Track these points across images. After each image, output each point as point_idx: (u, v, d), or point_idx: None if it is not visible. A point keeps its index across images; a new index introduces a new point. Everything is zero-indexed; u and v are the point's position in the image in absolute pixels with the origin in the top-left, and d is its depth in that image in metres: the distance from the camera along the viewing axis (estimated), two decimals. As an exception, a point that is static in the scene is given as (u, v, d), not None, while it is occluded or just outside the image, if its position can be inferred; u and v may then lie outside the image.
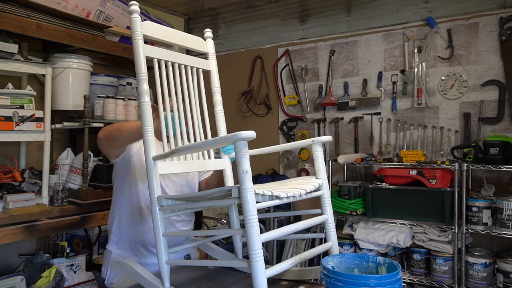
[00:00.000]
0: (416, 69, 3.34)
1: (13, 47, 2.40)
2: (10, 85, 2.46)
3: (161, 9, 4.16)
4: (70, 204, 2.67)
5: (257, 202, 1.17)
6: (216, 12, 4.37)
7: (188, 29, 4.57)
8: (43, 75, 2.61)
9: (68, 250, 2.69)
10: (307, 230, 3.53)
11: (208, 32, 1.79)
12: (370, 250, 3.15)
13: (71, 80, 2.88)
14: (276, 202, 1.27)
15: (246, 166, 1.15)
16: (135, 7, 1.48)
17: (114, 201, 1.96)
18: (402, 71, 3.40)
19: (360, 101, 3.57)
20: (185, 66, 1.66)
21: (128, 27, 3.23)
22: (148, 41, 1.56)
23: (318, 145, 1.54)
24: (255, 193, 1.17)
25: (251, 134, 1.13)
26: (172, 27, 3.83)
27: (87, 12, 2.90)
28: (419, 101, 3.33)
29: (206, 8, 4.24)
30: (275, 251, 3.65)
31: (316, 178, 1.53)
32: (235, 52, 4.29)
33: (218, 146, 1.43)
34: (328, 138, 1.56)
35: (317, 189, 1.49)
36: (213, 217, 3.84)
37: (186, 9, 4.33)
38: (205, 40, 1.79)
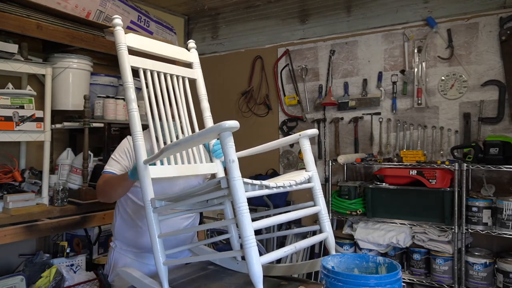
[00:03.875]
0: (416, 69, 3.34)
1: (13, 47, 2.40)
2: (10, 85, 2.46)
3: (161, 9, 4.16)
4: (70, 204, 2.67)
5: (246, 192, 1.18)
6: (216, 12, 4.37)
7: (188, 29, 4.58)
8: (43, 75, 2.61)
9: (68, 250, 2.69)
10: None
11: (192, 43, 1.87)
12: (370, 250, 3.15)
13: (71, 80, 2.88)
14: (266, 191, 1.29)
15: (232, 156, 1.17)
16: (118, 20, 1.54)
17: (118, 201, 2.01)
18: (402, 71, 3.40)
19: (360, 101, 3.57)
20: (171, 75, 1.71)
21: (129, 27, 3.24)
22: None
23: (305, 139, 1.57)
24: (244, 183, 1.18)
25: (234, 124, 1.15)
26: (172, 27, 3.86)
27: (87, 12, 2.90)
28: (419, 101, 3.33)
29: (206, 8, 4.24)
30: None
31: (306, 171, 1.55)
32: (235, 52, 4.29)
33: (205, 139, 1.45)
34: (313, 131, 1.59)
35: (308, 181, 1.50)
36: (213, 217, 3.84)
37: (186, 9, 4.33)
38: (189, 50, 1.83)
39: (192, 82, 1.82)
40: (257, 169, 4.03)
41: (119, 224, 1.98)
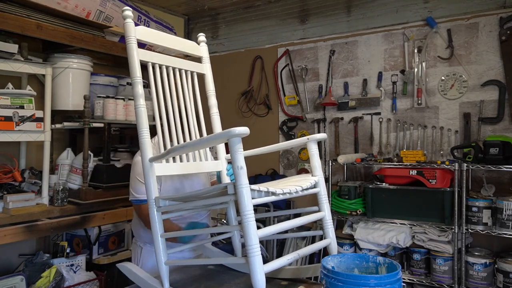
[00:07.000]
0: (416, 69, 3.34)
1: (13, 47, 2.40)
2: (10, 85, 2.46)
3: (161, 9, 4.16)
4: (70, 204, 2.67)
5: (253, 198, 1.17)
6: (216, 12, 4.37)
7: (188, 29, 4.58)
8: (43, 75, 2.61)
9: (68, 250, 2.69)
10: (308, 229, 3.54)
11: (202, 37, 1.83)
12: (370, 250, 3.15)
13: (71, 80, 2.88)
14: (272, 198, 1.27)
15: (240, 162, 1.16)
16: (128, 12, 1.50)
17: None
18: (402, 71, 3.40)
19: (360, 101, 3.57)
20: (180, 70, 1.69)
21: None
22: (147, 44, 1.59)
23: (313, 142, 1.56)
24: (251, 189, 1.17)
25: (244, 130, 1.14)
26: (172, 27, 3.86)
27: (87, 12, 2.90)
28: (419, 101, 3.32)
29: (206, 8, 4.24)
30: (275, 251, 3.66)
31: (312, 175, 1.54)
32: (235, 52, 4.29)
33: (213, 143, 1.44)
34: (322, 135, 1.57)
35: (314, 186, 1.50)
36: (213, 217, 3.84)
37: (186, 9, 4.33)
38: (198, 44, 1.81)
39: (199, 78, 1.80)
40: (257, 169, 4.03)
41: (140, 223, 1.98)
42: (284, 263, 1.25)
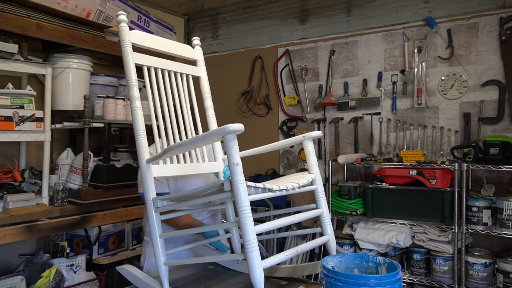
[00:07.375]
0: (416, 69, 3.34)
1: (13, 47, 2.40)
2: (10, 85, 2.46)
3: (161, 9, 4.16)
4: (70, 204, 2.67)
5: (249, 195, 1.18)
6: (216, 12, 4.37)
7: (188, 29, 4.58)
8: (43, 75, 2.61)
9: (68, 250, 2.69)
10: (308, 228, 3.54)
11: (196, 40, 1.86)
12: (370, 250, 3.15)
13: (71, 80, 2.88)
14: (269, 194, 1.28)
15: (236, 159, 1.16)
16: (122, 16, 1.52)
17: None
18: (402, 71, 3.40)
19: (360, 101, 3.57)
20: (175, 73, 1.71)
21: (129, 27, 3.24)
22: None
23: (309, 140, 1.57)
24: (247, 186, 1.18)
25: (239, 126, 1.15)
26: (172, 27, 3.85)
27: (87, 12, 2.90)
28: (419, 101, 3.32)
29: (206, 8, 4.25)
30: (275, 251, 3.66)
31: (309, 173, 1.54)
32: (235, 52, 4.29)
33: (209, 141, 1.45)
34: (318, 133, 1.58)
35: (311, 184, 1.50)
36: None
37: (186, 9, 4.33)
38: (193, 47, 1.82)
39: (195, 80, 1.81)
40: (257, 169, 4.03)
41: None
42: (283, 258, 1.25)
